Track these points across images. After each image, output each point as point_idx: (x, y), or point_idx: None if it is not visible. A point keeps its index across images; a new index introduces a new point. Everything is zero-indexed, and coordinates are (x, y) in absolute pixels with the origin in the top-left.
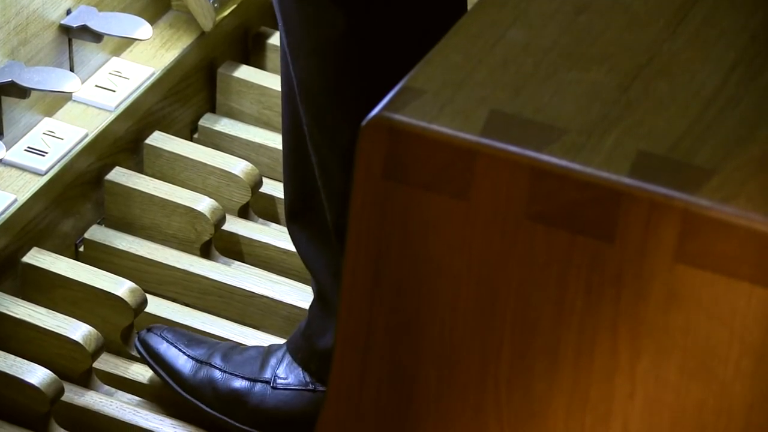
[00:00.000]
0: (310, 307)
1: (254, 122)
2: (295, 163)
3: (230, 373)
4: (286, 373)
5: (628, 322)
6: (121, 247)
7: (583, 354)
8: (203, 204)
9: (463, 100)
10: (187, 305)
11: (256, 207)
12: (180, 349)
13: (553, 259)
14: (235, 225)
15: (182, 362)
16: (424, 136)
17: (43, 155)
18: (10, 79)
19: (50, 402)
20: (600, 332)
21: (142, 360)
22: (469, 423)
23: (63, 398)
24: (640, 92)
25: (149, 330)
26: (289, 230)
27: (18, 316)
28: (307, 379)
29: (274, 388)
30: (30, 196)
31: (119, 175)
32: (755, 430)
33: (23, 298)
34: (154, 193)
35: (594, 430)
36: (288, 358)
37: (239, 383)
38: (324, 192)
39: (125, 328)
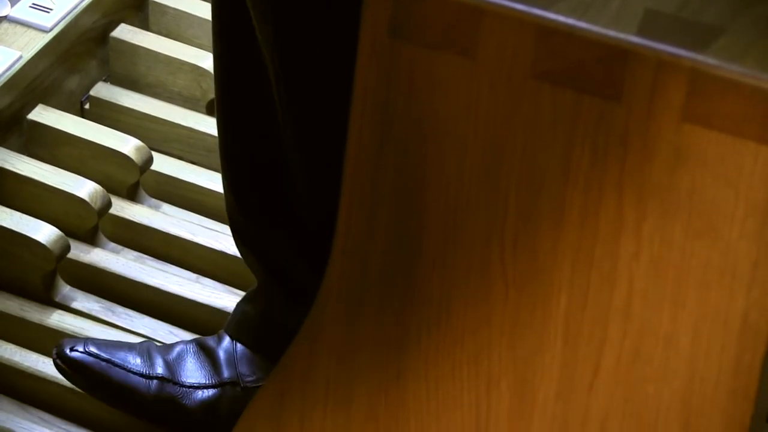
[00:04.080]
0: (261, 292)
1: None
2: (239, 153)
3: (189, 387)
4: (252, 369)
5: (633, 183)
6: (126, 105)
7: (588, 214)
8: (209, 61)
9: None
10: (192, 163)
11: None
12: (118, 365)
13: (559, 119)
14: None
15: (132, 379)
16: None
17: (48, 12)
18: None
19: (56, 259)
20: (605, 193)
21: (71, 380)
22: (474, 282)
23: (69, 255)
24: None
25: (71, 349)
26: (245, 227)
27: (23, 174)
28: None
29: (244, 389)
30: (35, 53)
31: (124, 32)
32: (759, 289)
33: (29, 156)
34: (160, 51)
35: (599, 289)
36: (244, 351)
37: (205, 394)
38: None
39: (131, 186)
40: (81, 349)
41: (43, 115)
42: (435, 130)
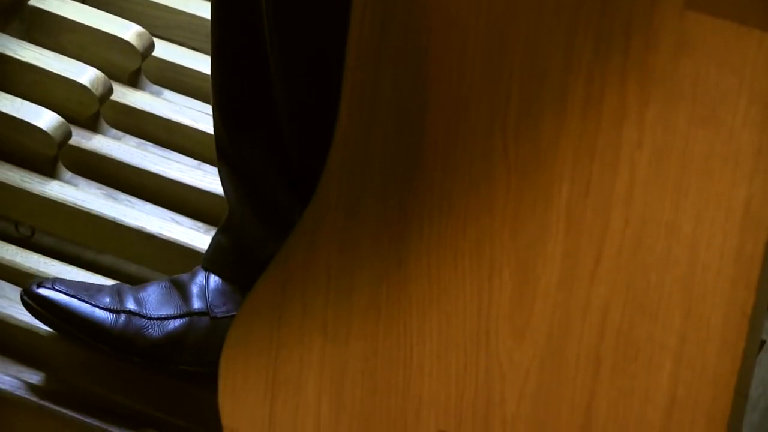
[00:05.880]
0: (235, 221)
1: None
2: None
3: (156, 318)
4: (222, 300)
5: (637, 71)
6: None
7: (591, 103)
8: None
9: None
10: (194, 49)
11: None
12: (85, 300)
13: (563, 6)
14: None
15: (98, 314)
16: None
17: None
18: None
19: (58, 146)
20: (609, 81)
21: (38, 317)
22: (476, 170)
23: (70, 142)
24: None
25: (38, 285)
26: (230, 149)
27: (25, 60)
28: None
29: (214, 318)
30: None
31: None
32: (761, 177)
33: (30, 42)
34: None
35: (601, 177)
36: (217, 284)
37: (172, 324)
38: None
39: (132, 72)
40: (48, 285)
41: (45, 1)
42: (437, 16)
